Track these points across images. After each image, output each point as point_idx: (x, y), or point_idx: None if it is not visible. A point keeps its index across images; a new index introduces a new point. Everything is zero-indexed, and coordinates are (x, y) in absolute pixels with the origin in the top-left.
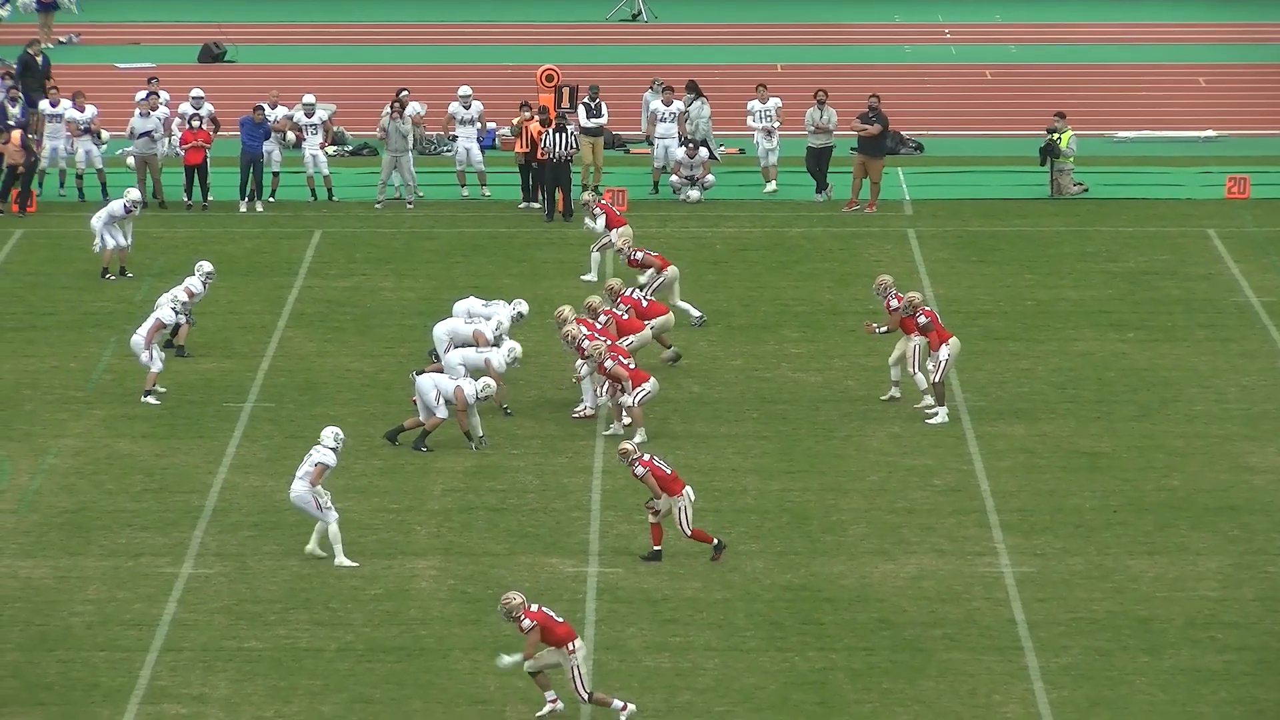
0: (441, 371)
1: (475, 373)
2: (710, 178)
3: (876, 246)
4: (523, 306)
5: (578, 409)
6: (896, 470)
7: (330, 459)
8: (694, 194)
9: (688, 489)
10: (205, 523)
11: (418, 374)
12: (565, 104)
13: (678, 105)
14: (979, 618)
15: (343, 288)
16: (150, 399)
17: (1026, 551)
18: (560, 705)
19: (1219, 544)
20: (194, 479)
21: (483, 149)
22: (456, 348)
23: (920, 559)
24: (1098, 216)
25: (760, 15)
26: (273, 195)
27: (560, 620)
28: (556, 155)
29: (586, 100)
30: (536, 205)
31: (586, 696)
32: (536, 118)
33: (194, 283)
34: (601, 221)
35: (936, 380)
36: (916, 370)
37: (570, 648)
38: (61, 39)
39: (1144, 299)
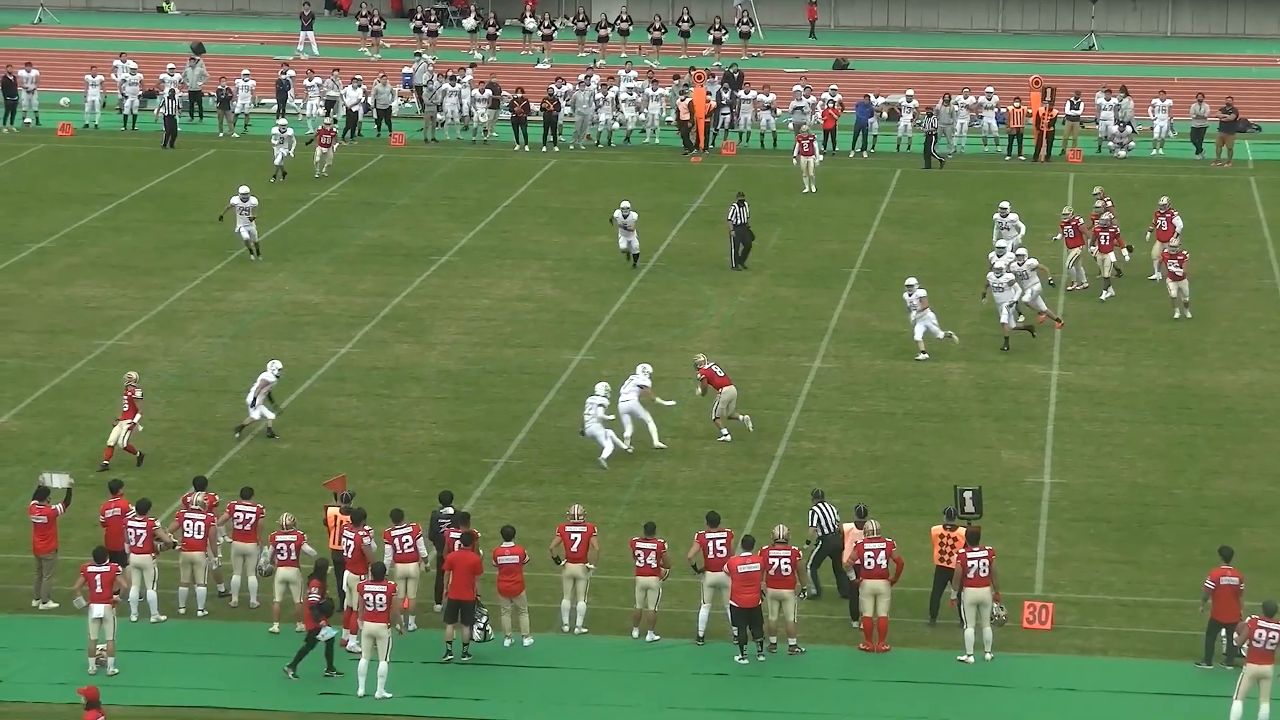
0: None
1: None
2: (1132, 144)
3: (1230, 188)
4: None
5: None
6: (1245, 331)
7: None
8: (1121, 153)
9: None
10: (828, 337)
11: None
12: (1048, 98)
13: (1114, 100)
14: None
15: (911, 203)
16: None
17: None
18: None
19: None
20: (823, 312)
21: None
22: None
23: (1252, 373)
24: None
25: (1168, 48)
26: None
27: None
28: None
29: (1072, 99)
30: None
31: None
32: None
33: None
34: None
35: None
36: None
37: None
38: (753, 54)
39: None
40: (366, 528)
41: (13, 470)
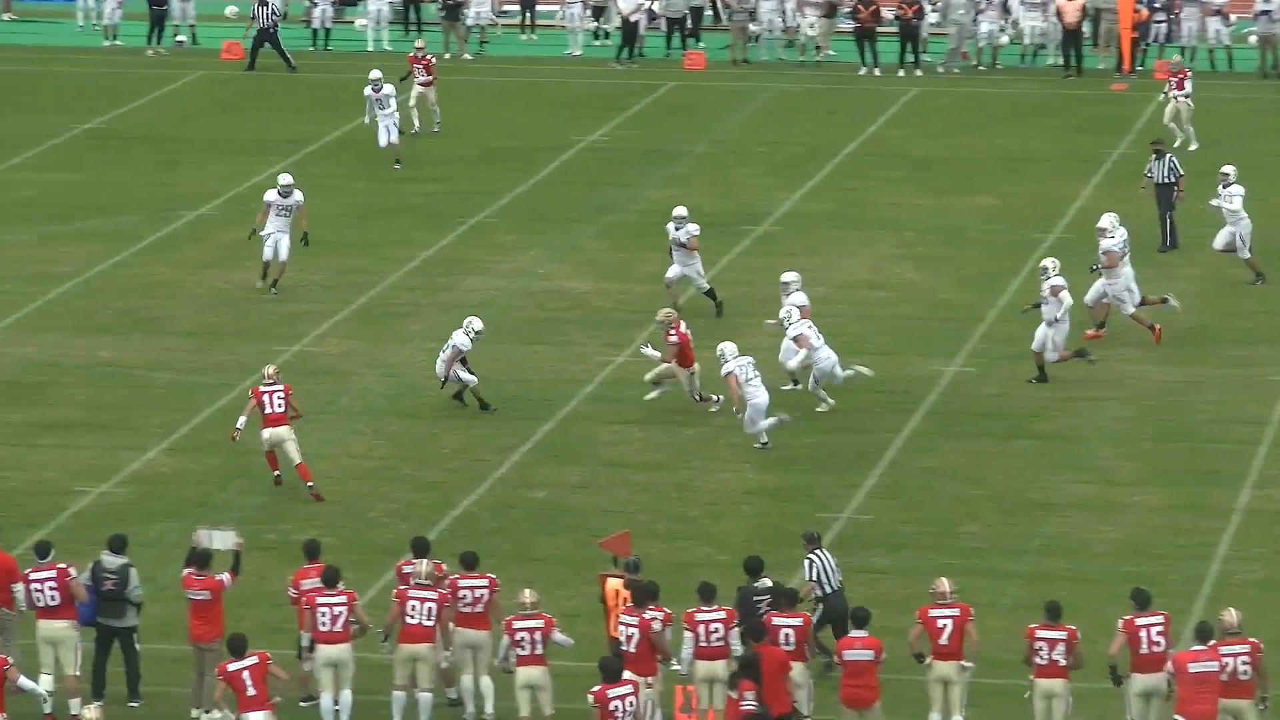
0: None
1: None
2: None
3: None
4: None
5: None
6: None
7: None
8: None
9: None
10: None
11: None
12: None
13: None
14: None
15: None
16: None
17: None
18: None
19: None
20: None
21: None
22: None
23: None
24: None
25: None
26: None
27: None
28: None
29: None
30: None
31: None
32: None
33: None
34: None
35: None
36: None
37: None
38: None
39: None
40: (659, 609)
41: (164, 526)
